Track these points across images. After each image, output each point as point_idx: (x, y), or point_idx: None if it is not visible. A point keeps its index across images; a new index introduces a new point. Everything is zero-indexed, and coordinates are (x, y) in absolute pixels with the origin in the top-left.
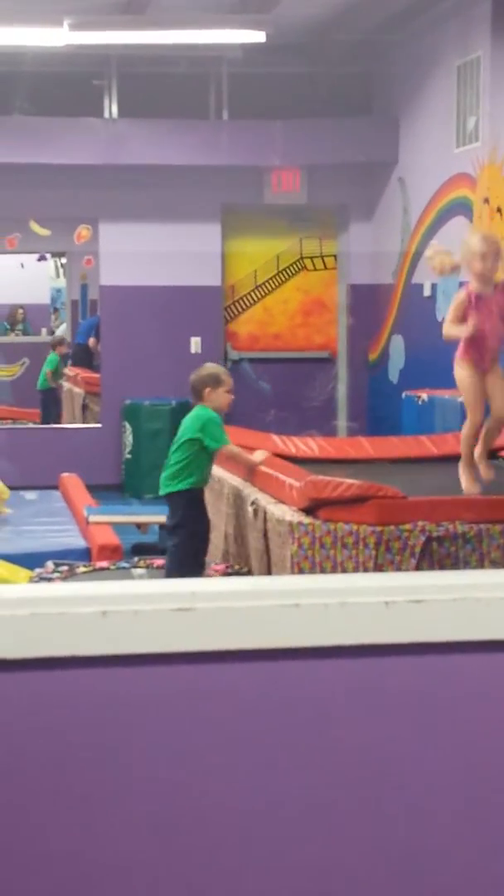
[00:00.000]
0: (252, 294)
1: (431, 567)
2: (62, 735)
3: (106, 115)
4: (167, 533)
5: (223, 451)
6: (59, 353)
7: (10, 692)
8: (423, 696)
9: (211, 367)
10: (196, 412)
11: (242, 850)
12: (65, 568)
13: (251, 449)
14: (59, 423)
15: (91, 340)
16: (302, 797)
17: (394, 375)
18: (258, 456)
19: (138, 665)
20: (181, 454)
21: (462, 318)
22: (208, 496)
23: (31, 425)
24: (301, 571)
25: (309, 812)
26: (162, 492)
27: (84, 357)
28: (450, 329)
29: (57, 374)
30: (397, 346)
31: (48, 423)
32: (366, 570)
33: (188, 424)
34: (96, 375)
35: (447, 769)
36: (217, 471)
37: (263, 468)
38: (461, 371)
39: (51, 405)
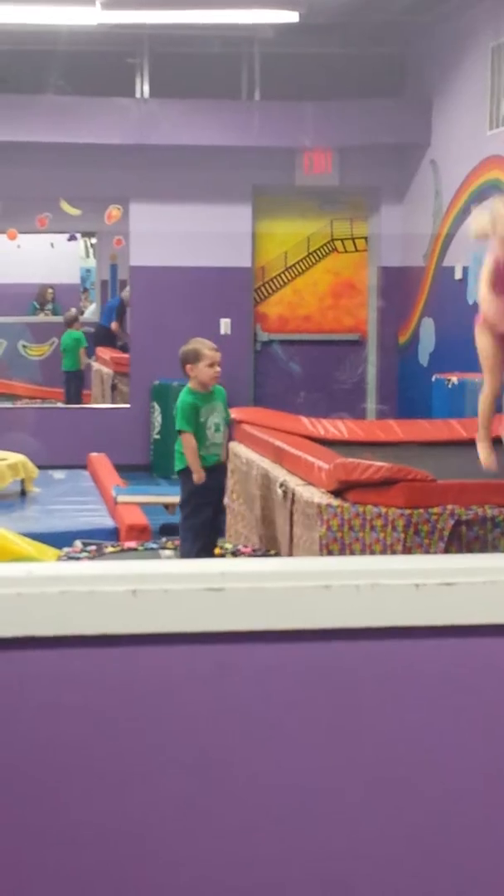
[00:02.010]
0: (282, 276)
1: (460, 550)
2: (91, 713)
3: (138, 94)
4: (181, 518)
5: (181, 436)
6: (78, 328)
7: (40, 670)
8: (453, 678)
9: (192, 343)
10: (181, 393)
11: (270, 830)
12: (92, 548)
13: (280, 431)
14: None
15: (113, 324)
16: (330, 778)
17: (424, 358)
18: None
19: (167, 644)
20: (176, 436)
21: (495, 283)
22: (236, 477)
23: (59, 405)
24: (330, 554)
25: (336, 793)
26: (175, 469)
27: (106, 338)
28: (486, 293)
29: (87, 349)
30: (428, 328)
31: (73, 402)
32: (394, 552)
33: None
34: (126, 356)
35: (478, 752)
36: (246, 452)
37: (292, 450)
38: (481, 337)
39: (75, 386)
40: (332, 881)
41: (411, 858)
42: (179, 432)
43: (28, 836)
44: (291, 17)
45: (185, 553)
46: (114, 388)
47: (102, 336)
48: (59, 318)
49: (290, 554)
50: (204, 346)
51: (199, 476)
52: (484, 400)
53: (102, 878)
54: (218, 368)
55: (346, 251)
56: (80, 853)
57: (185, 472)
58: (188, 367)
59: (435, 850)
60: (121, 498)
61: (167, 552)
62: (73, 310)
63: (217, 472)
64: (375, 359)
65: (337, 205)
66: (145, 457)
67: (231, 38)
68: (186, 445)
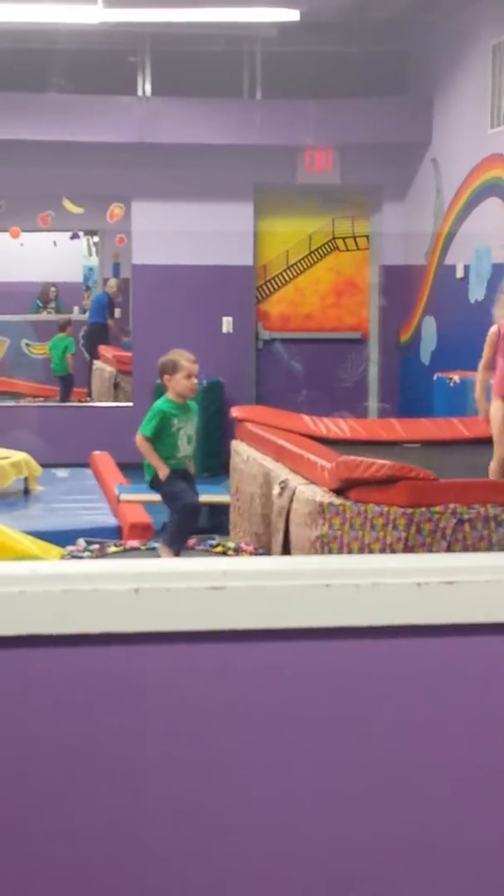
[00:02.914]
0: (284, 274)
1: (462, 549)
2: (94, 711)
3: (139, 93)
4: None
5: (137, 435)
6: (69, 333)
7: (43, 668)
8: (454, 677)
9: (171, 354)
10: (158, 401)
11: (272, 828)
12: (95, 547)
13: (281, 429)
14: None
15: (110, 321)
16: (331, 777)
17: (425, 357)
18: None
19: (169, 642)
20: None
21: (494, 354)
22: (238, 476)
23: (63, 403)
24: (331, 552)
25: (338, 792)
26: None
27: (100, 336)
28: (481, 373)
29: (73, 354)
30: (429, 327)
31: (65, 401)
32: (396, 551)
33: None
34: (128, 354)
35: (479, 750)
36: (248, 451)
37: (294, 448)
38: (494, 405)
39: (64, 389)
40: (334, 878)
41: (413, 855)
42: (142, 437)
43: (30, 835)
44: (293, 15)
45: (176, 534)
46: (116, 386)
47: (96, 333)
48: (63, 317)
49: (291, 552)
50: (182, 357)
51: (164, 471)
52: (493, 468)
53: (106, 874)
54: (195, 381)
55: (347, 249)
56: (83, 851)
57: (155, 479)
58: (166, 377)
59: (437, 847)
60: (124, 496)
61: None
62: (68, 316)
63: (186, 471)
64: (377, 357)
65: (338, 203)
66: None
67: (232, 37)
68: (141, 446)
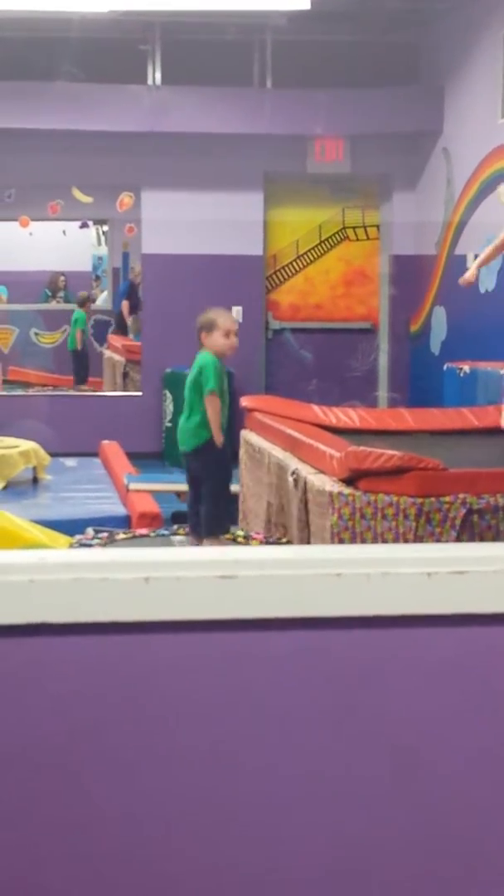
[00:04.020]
0: (294, 264)
1: (472, 540)
2: (104, 700)
3: (149, 82)
4: (201, 481)
5: (206, 397)
6: (86, 310)
7: (53, 657)
8: (465, 667)
9: (208, 312)
10: (196, 359)
11: (282, 817)
12: (104, 534)
13: (291, 419)
14: (86, 384)
15: (123, 303)
16: (341, 766)
17: (436, 347)
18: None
19: (180, 631)
20: (192, 404)
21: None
22: (247, 465)
23: (72, 392)
24: (341, 542)
25: (346, 782)
26: (186, 447)
27: (122, 326)
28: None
29: (85, 332)
30: (439, 317)
31: (80, 384)
32: (406, 541)
33: (191, 374)
34: (137, 343)
35: (490, 740)
36: (258, 440)
37: (304, 438)
38: None
39: (82, 366)
40: (343, 867)
41: (422, 845)
42: (210, 392)
43: (38, 825)
44: (303, 4)
45: (217, 517)
46: (125, 375)
47: (119, 323)
48: (72, 306)
49: (301, 542)
50: (219, 315)
51: (221, 438)
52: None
53: (114, 863)
54: (235, 339)
55: (357, 239)
56: (93, 840)
57: (206, 446)
58: (203, 335)
59: (446, 838)
60: (132, 485)
61: (178, 538)
62: (85, 292)
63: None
64: (387, 347)
65: (349, 193)
66: (157, 444)
67: (243, 26)
68: (214, 407)
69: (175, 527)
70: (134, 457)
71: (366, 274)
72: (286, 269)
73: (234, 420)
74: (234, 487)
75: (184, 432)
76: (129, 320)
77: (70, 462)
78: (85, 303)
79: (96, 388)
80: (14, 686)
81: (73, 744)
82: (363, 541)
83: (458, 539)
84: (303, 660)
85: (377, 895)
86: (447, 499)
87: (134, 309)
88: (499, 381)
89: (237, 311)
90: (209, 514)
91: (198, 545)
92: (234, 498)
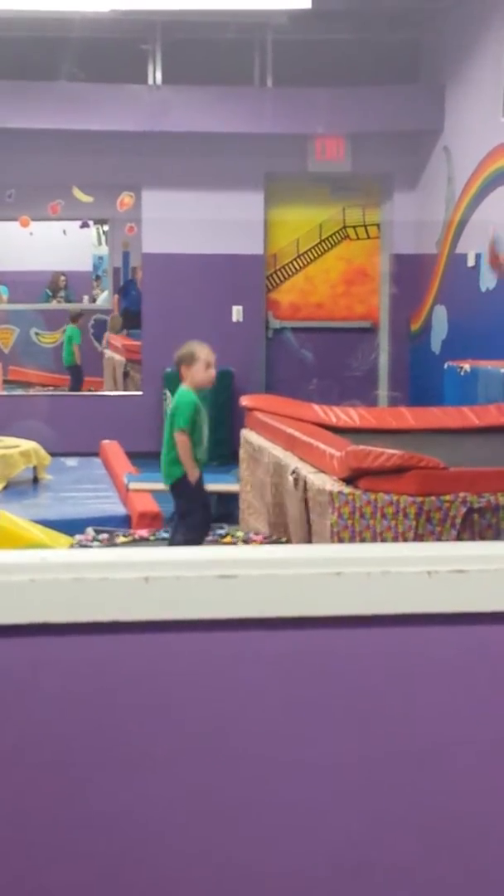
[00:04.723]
0: (294, 263)
1: (472, 539)
2: (104, 700)
3: (150, 81)
4: (177, 519)
5: (175, 434)
6: (79, 325)
7: (54, 656)
8: (465, 666)
9: (188, 345)
10: (176, 394)
11: (283, 815)
12: (104, 536)
13: (291, 418)
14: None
15: (114, 298)
16: (341, 766)
17: (436, 346)
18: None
19: (180, 631)
20: (170, 439)
21: None
22: (247, 464)
23: (72, 392)
24: (341, 541)
25: (347, 781)
26: (166, 483)
27: (131, 322)
28: None
29: (80, 346)
30: (440, 316)
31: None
32: (406, 540)
33: (171, 409)
34: (137, 343)
35: (490, 739)
36: (258, 440)
37: (304, 437)
38: None
39: (73, 379)
40: (345, 865)
41: (423, 843)
42: (179, 430)
43: (39, 824)
44: (304, 3)
45: (185, 539)
46: (126, 375)
47: (130, 319)
48: (72, 306)
49: (302, 541)
50: (198, 348)
51: (195, 474)
52: None
53: (114, 863)
54: (213, 371)
55: (358, 238)
56: (92, 839)
57: (181, 481)
58: (183, 368)
59: (447, 835)
60: (133, 485)
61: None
62: (80, 307)
63: (202, 473)
64: (387, 346)
65: (349, 191)
66: (157, 444)
67: (244, 25)
68: (184, 445)
69: None
70: (134, 456)
71: (366, 273)
72: (286, 268)
73: (233, 420)
74: (233, 487)
75: (163, 466)
76: (110, 317)
77: (70, 462)
78: (78, 318)
79: (95, 388)
80: (14, 685)
81: (73, 743)
82: (363, 540)
83: (459, 538)
84: (303, 659)
85: (380, 893)
86: (447, 498)
87: (128, 307)
88: (500, 379)
89: (237, 310)
90: (179, 543)
91: None
92: (234, 497)
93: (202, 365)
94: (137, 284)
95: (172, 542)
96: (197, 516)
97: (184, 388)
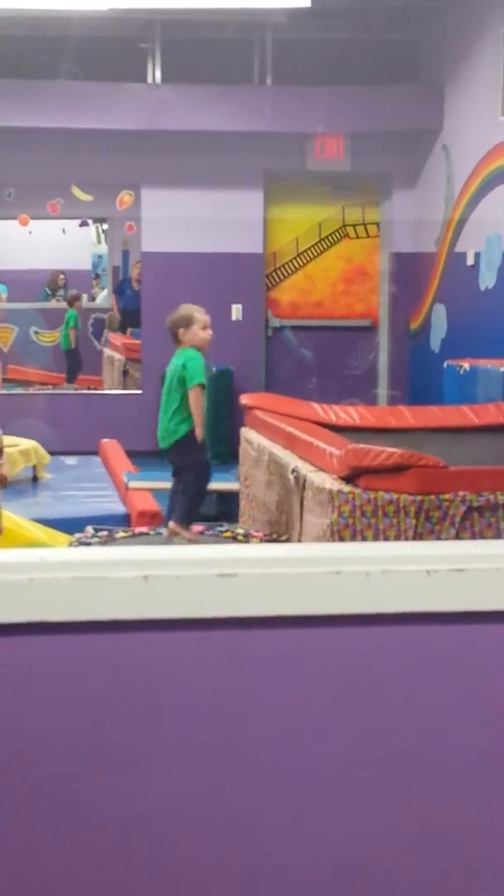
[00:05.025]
0: (294, 262)
1: (472, 537)
2: (103, 699)
3: (149, 80)
4: (179, 482)
5: (191, 391)
6: (77, 308)
7: (52, 655)
8: (464, 665)
9: (182, 308)
10: (177, 355)
11: (281, 814)
12: (104, 533)
13: (291, 417)
14: (75, 382)
15: (112, 297)
16: (340, 765)
17: (435, 344)
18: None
19: (179, 630)
20: (175, 400)
21: None
22: (247, 463)
23: (72, 391)
24: (341, 540)
25: (347, 779)
26: (165, 444)
27: (122, 322)
28: None
29: (78, 330)
30: (439, 314)
31: (70, 382)
32: (405, 539)
33: (172, 369)
34: (137, 342)
35: (490, 738)
36: (258, 438)
37: (304, 436)
38: None
39: (73, 365)
40: (344, 866)
41: (423, 842)
42: (199, 387)
43: (37, 824)
44: (303, 1)
45: (189, 508)
46: (125, 373)
47: (127, 319)
48: (71, 292)
49: (301, 540)
50: (194, 310)
51: (202, 431)
52: None
53: (114, 862)
54: (210, 332)
55: (357, 237)
56: (91, 839)
57: (186, 438)
58: (181, 331)
59: (447, 834)
60: (132, 484)
61: (178, 538)
62: (75, 290)
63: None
64: (387, 345)
65: (349, 190)
66: (157, 443)
67: (243, 23)
68: (198, 401)
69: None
70: (134, 455)
71: (366, 271)
72: (286, 266)
73: (233, 418)
74: (233, 485)
75: (164, 429)
76: (108, 316)
77: (70, 460)
78: (74, 301)
79: (95, 386)
80: (13, 684)
81: (72, 742)
82: (363, 538)
83: (458, 536)
84: (302, 658)
85: (379, 893)
86: (447, 496)
87: (125, 307)
88: (499, 378)
89: (237, 308)
90: (182, 504)
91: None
92: (233, 495)
93: (199, 326)
94: (132, 283)
95: (174, 506)
96: (199, 475)
97: (185, 348)
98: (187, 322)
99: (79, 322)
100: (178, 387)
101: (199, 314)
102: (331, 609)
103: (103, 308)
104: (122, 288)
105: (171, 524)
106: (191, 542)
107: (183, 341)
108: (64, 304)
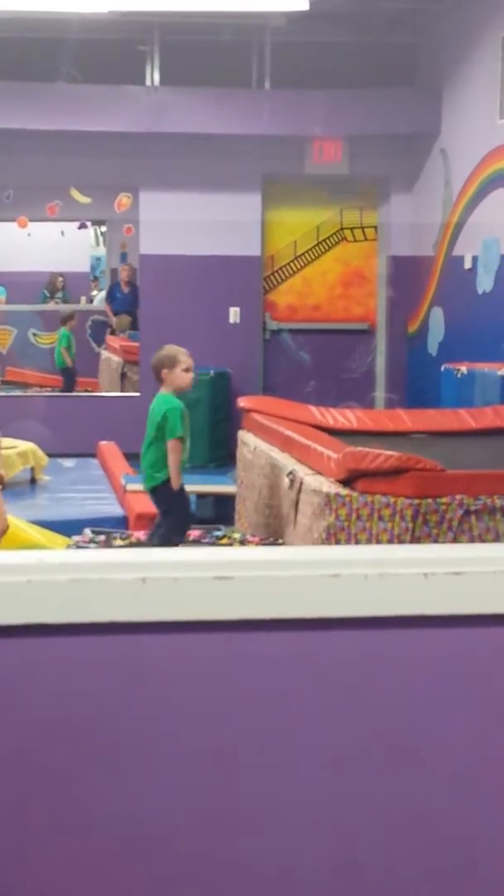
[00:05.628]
0: (292, 265)
1: (469, 541)
2: (101, 700)
3: (148, 82)
4: (158, 520)
5: (169, 443)
6: (70, 328)
7: (50, 657)
8: (462, 667)
9: (166, 349)
10: (158, 400)
11: (278, 816)
12: (101, 538)
13: (288, 420)
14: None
15: (105, 305)
16: (338, 768)
17: (433, 348)
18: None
19: (176, 632)
20: (154, 448)
21: None
22: (244, 466)
23: (70, 393)
24: (338, 543)
25: (343, 782)
26: (147, 486)
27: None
28: None
29: (70, 350)
30: (437, 318)
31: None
32: (402, 542)
33: (153, 414)
34: (135, 344)
35: (486, 742)
36: (255, 441)
37: (301, 439)
38: None
39: (69, 382)
40: (342, 866)
41: (419, 844)
42: (178, 440)
43: (36, 825)
44: (302, 5)
45: (161, 545)
46: (123, 376)
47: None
48: (70, 307)
49: (299, 543)
50: (178, 351)
51: (179, 482)
52: None
53: (112, 864)
54: (192, 375)
55: (355, 240)
56: (89, 840)
57: (163, 485)
58: (164, 371)
59: (443, 836)
60: (130, 486)
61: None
62: (73, 309)
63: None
64: (384, 348)
65: (346, 194)
66: None
67: (242, 26)
68: (177, 452)
69: None
70: (132, 457)
71: (363, 275)
72: (284, 269)
73: (231, 421)
74: (230, 489)
75: (145, 469)
76: (114, 321)
77: (68, 463)
78: (68, 320)
79: (93, 389)
80: (11, 686)
81: (69, 744)
82: (360, 542)
83: (456, 540)
84: (300, 661)
85: (378, 893)
86: (444, 500)
87: (116, 310)
88: (496, 382)
89: (235, 311)
90: (157, 542)
91: None
92: (230, 498)
93: (182, 367)
94: (122, 287)
95: (151, 542)
96: (178, 519)
97: (166, 393)
98: (171, 363)
99: (72, 342)
100: (157, 435)
101: (184, 356)
102: (328, 612)
103: (101, 310)
104: (112, 292)
105: None
106: None
107: (165, 381)
108: (62, 306)
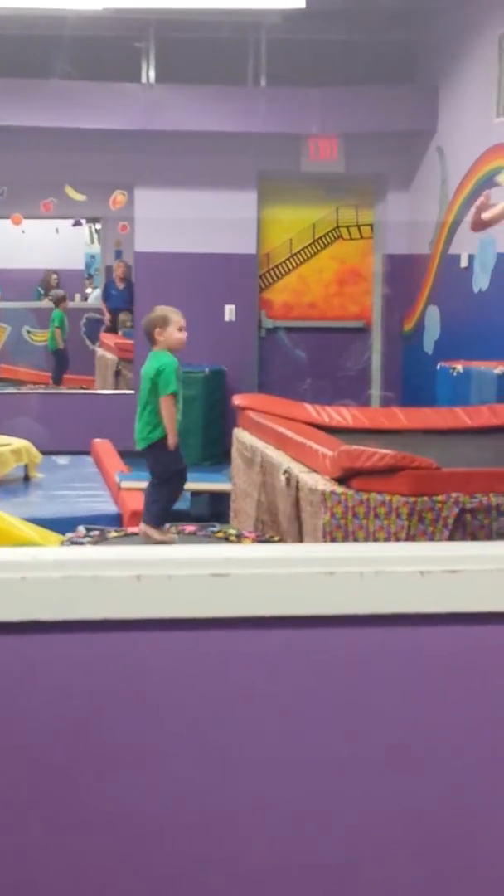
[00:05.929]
0: (287, 262)
1: (464, 539)
2: (95, 698)
3: (143, 80)
4: (151, 484)
5: (162, 400)
6: (63, 309)
7: (45, 654)
8: (457, 665)
9: (158, 309)
10: (151, 357)
11: (274, 816)
12: (96, 532)
13: (284, 418)
14: (61, 384)
15: (102, 305)
16: (333, 765)
17: (429, 346)
18: None
19: (171, 629)
20: (148, 405)
21: None
22: (239, 464)
23: (64, 390)
24: (333, 541)
25: (340, 780)
26: (140, 446)
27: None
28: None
29: (63, 330)
30: (433, 316)
31: (56, 384)
32: (398, 540)
33: (146, 372)
34: (129, 342)
35: (483, 739)
36: (250, 439)
37: (297, 437)
38: None
39: (60, 366)
40: (339, 864)
41: (416, 843)
42: (170, 395)
43: (32, 822)
44: (298, 2)
45: (158, 511)
46: (118, 373)
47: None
48: (62, 291)
49: (294, 541)
50: (170, 311)
51: (175, 439)
52: None
53: (108, 861)
54: (185, 334)
55: (351, 238)
56: (85, 838)
57: (159, 444)
58: (157, 331)
59: (440, 835)
60: (124, 484)
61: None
62: (61, 291)
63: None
64: (380, 346)
65: (343, 192)
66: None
67: (238, 24)
68: (169, 409)
69: (167, 525)
70: (126, 455)
71: (359, 273)
72: (279, 267)
73: (226, 419)
74: (226, 486)
75: (138, 432)
76: (108, 318)
77: (62, 460)
78: (60, 302)
79: (87, 386)
80: (5, 683)
81: (64, 742)
82: (356, 540)
83: (451, 538)
84: (295, 658)
85: (376, 892)
86: (440, 498)
87: (112, 307)
88: (492, 380)
89: (230, 309)
90: (149, 506)
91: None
92: (225, 496)
93: (175, 327)
94: (117, 283)
95: (145, 505)
96: (172, 481)
97: (159, 350)
98: (163, 322)
99: (65, 322)
100: (151, 392)
101: (175, 315)
102: (324, 610)
103: (95, 307)
104: (107, 289)
105: (143, 526)
106: (162, 542)
107: (158, 342)
108: (54, 290)
